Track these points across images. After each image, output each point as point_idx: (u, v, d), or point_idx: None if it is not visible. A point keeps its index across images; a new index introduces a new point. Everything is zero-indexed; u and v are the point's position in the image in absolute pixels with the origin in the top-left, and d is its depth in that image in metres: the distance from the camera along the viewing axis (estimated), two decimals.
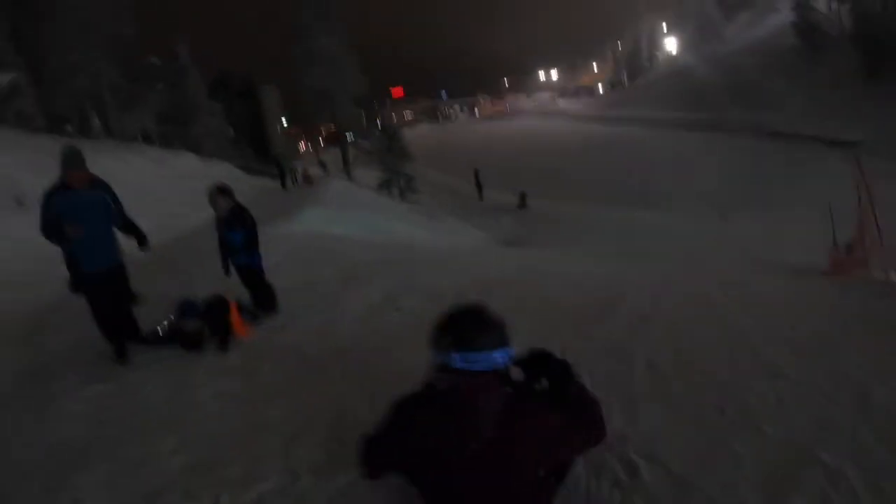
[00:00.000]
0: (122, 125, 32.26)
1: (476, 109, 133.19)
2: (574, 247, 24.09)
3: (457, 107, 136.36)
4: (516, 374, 2.97)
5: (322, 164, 44.66)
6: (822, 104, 47.78)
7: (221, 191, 7.07)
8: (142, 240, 6.50)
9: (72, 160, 5.91)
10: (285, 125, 68.36)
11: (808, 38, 58.01)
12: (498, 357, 2.65)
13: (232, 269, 7.26)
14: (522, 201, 38.48)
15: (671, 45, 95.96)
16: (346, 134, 43.68)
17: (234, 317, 6.44)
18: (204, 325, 6.28)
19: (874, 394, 4.29)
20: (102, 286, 6.11)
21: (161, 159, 25.10)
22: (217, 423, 4.49)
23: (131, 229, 6.44)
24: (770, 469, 3.44)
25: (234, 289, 7.27)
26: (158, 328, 6.46)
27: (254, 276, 7.21)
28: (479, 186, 44.66)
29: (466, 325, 2.73)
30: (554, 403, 2.79)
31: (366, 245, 14.59)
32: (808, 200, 27.99)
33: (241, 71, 60.28)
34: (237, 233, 6.96)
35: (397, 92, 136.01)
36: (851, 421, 3.91)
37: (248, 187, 27.02)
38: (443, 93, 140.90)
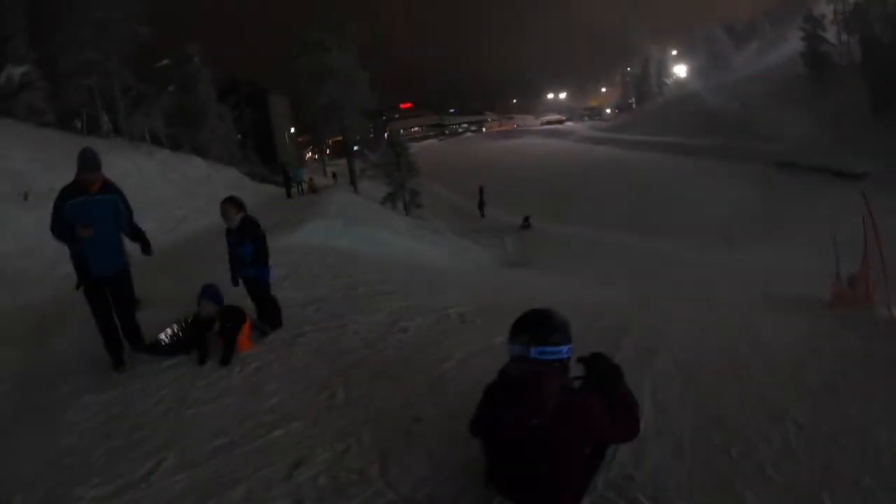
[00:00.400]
0: (131, 125, 32.34)
1: (483, 127, 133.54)
2: (578, 271, 24.04)
3: (465, 124, 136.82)
4: (576, 368, 3.61)
5: (334, 175, 44.72)
6: (829, 134, 47.91)
7: (233, 203, 7.03)
8: (146, 247, 6.57)
9: (88, 163, 5.93)
10: (293, 134, 68.46)
11: (816, 68, 58.40)
12: (564, 351, 3.39)
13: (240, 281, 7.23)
14: (526, 222, 38.40)
15: (680, 70, 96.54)
16: (354, 146, 43.76)
17: (244, 332, 6.43)
18: (218, 319, 6.33)
19: (879, 439, 4.28)
20: (106, 290, 6.13)
21: (168, 161, 25.12)
22: (220, 442, 4.42)
23: (137, 236, 6.51)
24: None
25: (238, 301, 7.27)
26: (163, 336, 6.46)
27: (260, 290, 7.15)
28: (481, 204, 44.68)
29: (543, 325, 3.43)
30: (603, 397, 3.34)
31: (371, 261, 14.52)
32: (814, 232, 27.95)
33: (252, 78, 60.45)
34: (247, 246, 6.91)
35: (406, 106, 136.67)
36: (856, 466, 3.89)
37: (253, 194, 27.07)
38: (453, 110, 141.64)
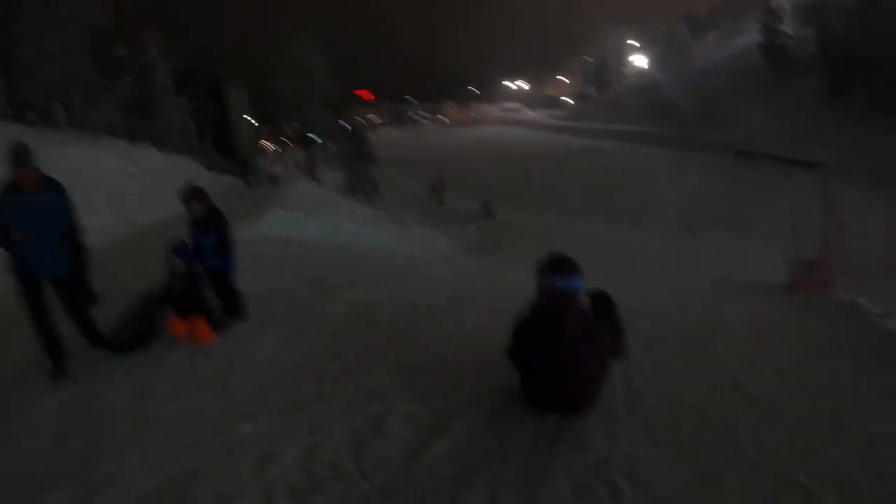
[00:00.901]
0: (87, 117, 31.55)
1: (443, 116, 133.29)
2: (541, 257, 24.17)
3: (424, 112, 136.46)
4: (584, 300, 4.55)
5: (297, 164, 44.16)
6: (787, 125, 48.90)
7: (196, 193, 6.80)
8: (78, 256, 5.78)
9: (20, 157, 5.32)
10: (252, 124, 67.69)
11: (774, 59, 59.56)
12: (580, 283, 4.31)
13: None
14: (488, 210, 38.42)
15: (639, 60, 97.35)
16: (313, 136, 43.28)
17: (203, 324, 6.28)
18: (190, 276, 6.32)
19: (849, 419, 4.45)
20: (44, 294, 5.62)
21: (125, 153, 24.45)
22: (186, 439, 4.27)
23: (73, 241, 5.71)
24: (751, 492, 3.52)
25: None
26: (122, 331, 6.18)
27: (224, 282, 6.91)
28: (437, 192, 44.74)
29: (566, 264, 4.35)
30: (605, 320, 4.57)
31: (334, 251, 14.42)
32: (774, 219, 28.62)
33: (211, 68, 59.60)
34: (210, 236, 6.66)
35: (366, 95, 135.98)
36: (828, 445, 4.03)
37: (212, 185, 26.64)
38: (410, 98, 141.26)
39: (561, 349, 4.12)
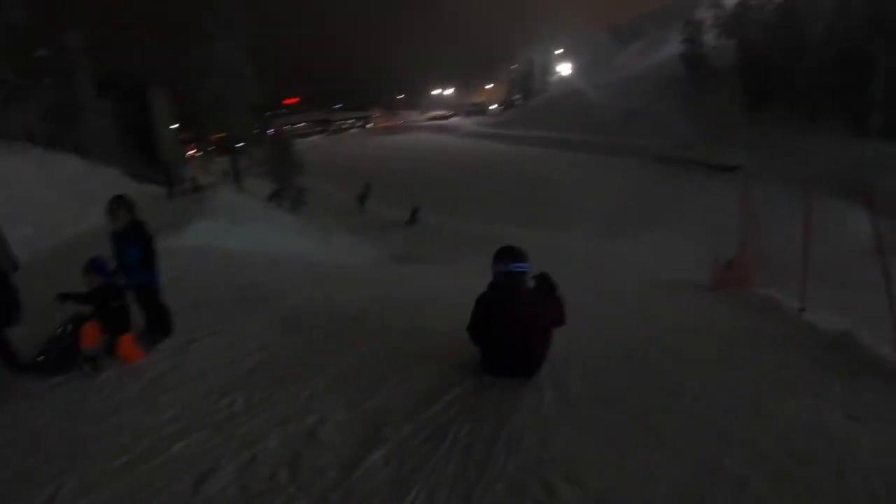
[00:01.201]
0: (5, 122, 30.06)
1: (369, 123, 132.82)
2: (467, 264, 24.34)
3: (351, 119, 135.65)
4: (530, 280, 5.53)
5: (225, 174, 42.95)
6: (707, 131, 50.63)
7: (121, 203, 6.49)
8: None
9: None
10: (176, 130, 65.81)
11: (695, 69, 61.80)
12: (526, 266, 5.37)
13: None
14: (413, 217, 38.38)
15: (565, 69, 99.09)
16: (239, 143, 42.39)
17: (128, 341, 6.05)
18: (111, 292, 6.04)
19: (768, 405, 4.72)
20: None
21: (45, 161, 23.41)
22: (120, 461, 4.08)
23: None
24: (681, 482, 3.66)
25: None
26: (41, 357, 5.80)
27: (149, 296, 6.64)
28: (362, 199, 44.59)
29: (516, 251, 5.42)
30: (548, 296, 5.55)
31: (260, 261, 14.15)
32: (695, 221, 29.49)
33: (133, 71, 57.53)
34: (133, 249, 6.37)
35: (291, 101, 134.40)
36: (751, 432, 4.26)
37: (134, 194, 25.83)
38: (338, 106, 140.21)
39: (514, 318, 5.16)
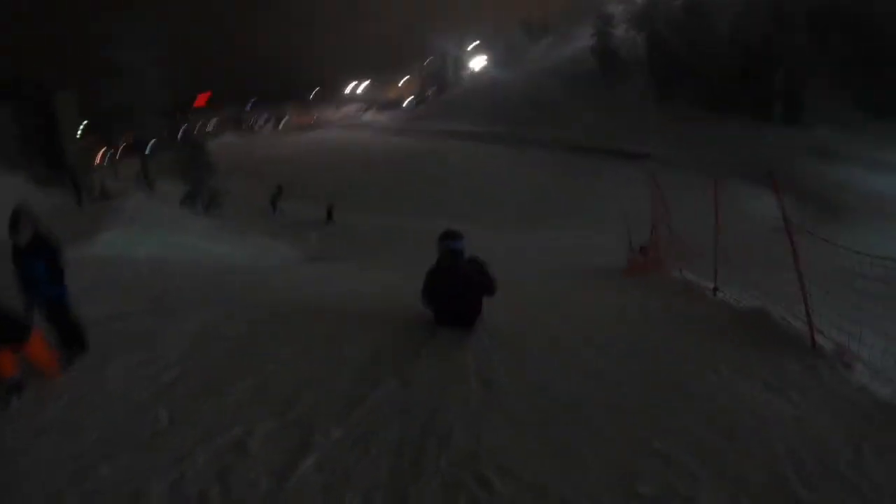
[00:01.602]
0: None
1: (282, 121, 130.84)
2: (384, 260, 24.31)
3: (263, 117, 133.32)
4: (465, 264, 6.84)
5: (144, 176, 41.07)
6: (618, 122, 52.24)
7: (22, 214, 6.04)
8: None
9: None
10: (82, 135, 63.20)
11: (605, 61, 63.63)
12: (462, 243, 6.78)
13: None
14: (329, 215, 37.94)
15: (478, 63, 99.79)
16: (147, 145, 40.99)
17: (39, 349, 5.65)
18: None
19: (691, 383, 4.92)
20: None
21: None
22: (45, 491, 3.84)
23: None
24: (614, 464, 3.79)
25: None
26: None
27: (60, 312, 6.25)
28: (273, 202, 44.01)
29: (454, 232, 6.83)
30: (481, 270, 6.73)
31: (174, 268, 13.74)
32: (608, 208, 30.15)
33: (36, 76, 54.88)
34: (39, 263, 5.98)
35: (200, 100, 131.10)
36: (677, 412, 4.44)
37: (39, 203, 24.74)
38: (249, 102, 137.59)
39: (457, 282, 6.69)
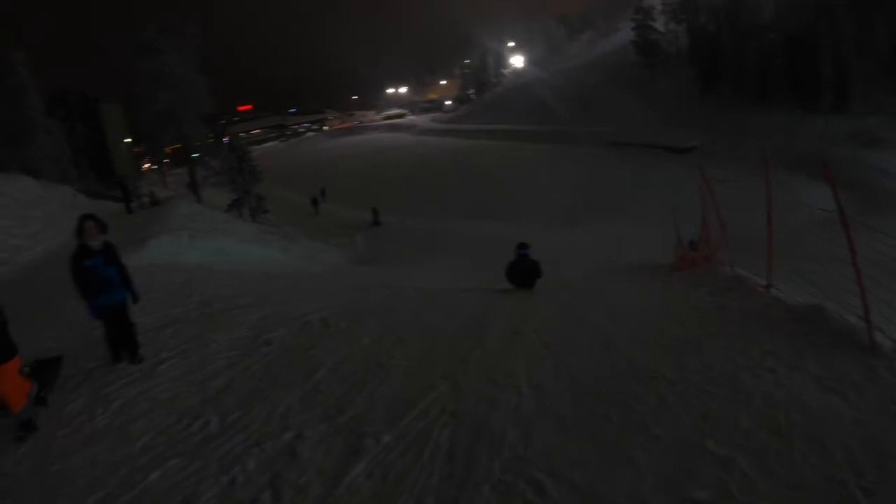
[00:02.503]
0: None
1: (325, 126, 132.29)
2: (430, 262, 24.33)
3: (307, 124, 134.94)
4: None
5: (191, 186, 41.61)
6: (660, 115, 51.58)
7: (94, 221, 6.10)
8: None
9: None
10: (129, 144, 64.42)
11: (646, 55, 63.03)
12: (531, 250, 12.10)
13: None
14: (375, 218, 38.12)
15: (517, 61, 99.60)
16: (194, 153, 41.64)
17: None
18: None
19: (745, 383, 4.75)
20: None
21: None
22: (96, 496, 3.91)
23: None
24: (666, 468, 3.69)
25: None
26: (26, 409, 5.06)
27: (125, 316, 6.35)
28: (315, 203, 44.48)
29: (524, 244, 12.17)
30: (535, 264, 11.91)
31: (222, 274, 13.92)
32: (653, 204, 29.81)
33: (83, 88, 56.13)
34: (112, 266, 6.09)
35: (245, 108, 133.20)
36: (730, 411, 4.29)
37: (90, 210, 25.13)
38: (293, 109, 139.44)
39: (525, 270, 11.66)
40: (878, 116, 38.65)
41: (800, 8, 44.82)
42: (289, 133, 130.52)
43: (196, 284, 11.76)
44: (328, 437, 4.41)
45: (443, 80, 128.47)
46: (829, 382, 4.65)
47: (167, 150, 54.86)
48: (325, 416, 4.74)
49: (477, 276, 16.05)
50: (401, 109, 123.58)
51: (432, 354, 6.09)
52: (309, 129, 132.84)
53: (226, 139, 47.83)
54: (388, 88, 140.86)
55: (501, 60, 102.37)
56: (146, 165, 75.95)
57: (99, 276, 6.01)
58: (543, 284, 11.64)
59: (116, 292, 6.16)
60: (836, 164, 25.74)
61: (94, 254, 5.99)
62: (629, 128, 52.63)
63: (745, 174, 8.88)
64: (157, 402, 5.34)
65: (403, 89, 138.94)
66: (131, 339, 6.44)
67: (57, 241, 16.69)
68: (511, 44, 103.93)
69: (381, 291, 12.06)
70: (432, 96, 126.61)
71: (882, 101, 39.33)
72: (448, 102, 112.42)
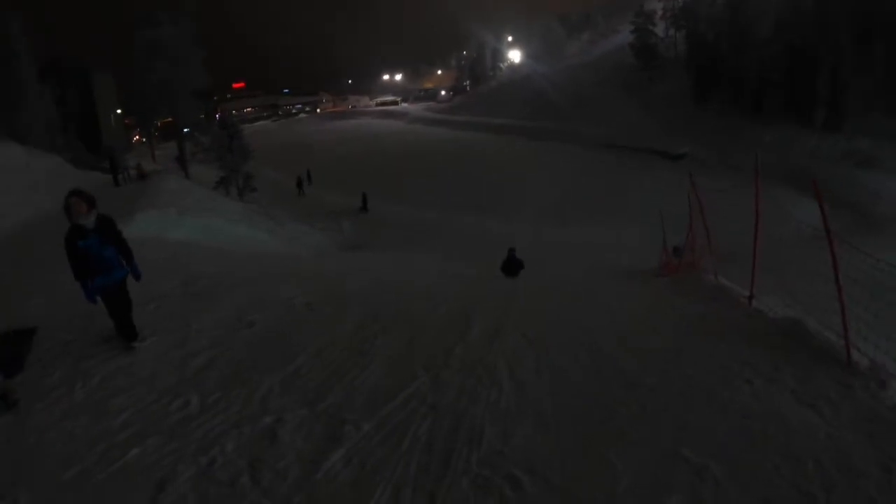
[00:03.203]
0: None
1: (318, 108, 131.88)
2: (415, 252, 24.34)
3: (299, 105, 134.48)
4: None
5: (182, 160, 41.16)
6: (654, 120, 51.90)
7: (83, 198, 5.65)
8: None
9: None
10: (120, 116, 63.66)
11: (644, 58, 63.22)
12: (516, 252, 15.95)
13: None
14: (364, 204, 37.87)
15: (515, 56, 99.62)
16: (185, 128, 41.25)
17: None
18: None
19: (723, 393, 4.81)
20: None
21: None
22: (72, 471, 3.89)
23: None
24: (642, 472, 3.74)
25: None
26: None
27: (125, 293, 6.08)
28: (299, 184, 44.44)
29: (513, 248, 16.05)
30: (520, 261, 15.81)
31: (208, 252, 13.90)
32: (642, 207, 29.88)
33: (76, 55, 55.32)
34: (109, 247, 5.79)
35: (239, 86, 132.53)
36: (707, 420, 4.36)
37: (78, 183, 24.88)
38: (286, 90, 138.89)
39: (513, 264, 15.37)
40: (873, 137, 38.92)
41: (800, 23, 45.07)
42: (281, 113, 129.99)
43: (181, 261, 11.73)
44: (308, 422, 4.41)
45: (439, 70, 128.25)
46: (806, 397, 4.72)
47: (158, 123, 54.45)
48: (305, 401, 4.74)
49: (464, 269, 16.23)
50: (394, 97, 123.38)
51: (415, 345, 6.09)
52: (301, 111, 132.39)
53: (217, 115, 47.48)
54: (383, 75, 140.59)
55: (499, 54, 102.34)
56: (136, 138, 75.27)
57: (94, 256, 5.72)
58: (529, 281, 12.08)
59: (114, 272, 5.95)
60: (828, 182, 25.96)
61: (87, 233, 5.66)
62: (623, 130, 52.90)
63: (736, 184, 8.95)
64: (137, 379, 5.30)
65: (399, 76, 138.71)
66: (127, 318, 6.16)
67: (41, 208, 16.56)
68: (510, 38, 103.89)
69: (366, 278, 12.06)
70: (428, 85, 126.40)
71: (877, 122, 39.57)
72: (443, 92, 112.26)
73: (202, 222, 19.02)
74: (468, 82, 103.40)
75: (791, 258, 8.63)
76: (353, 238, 30.59)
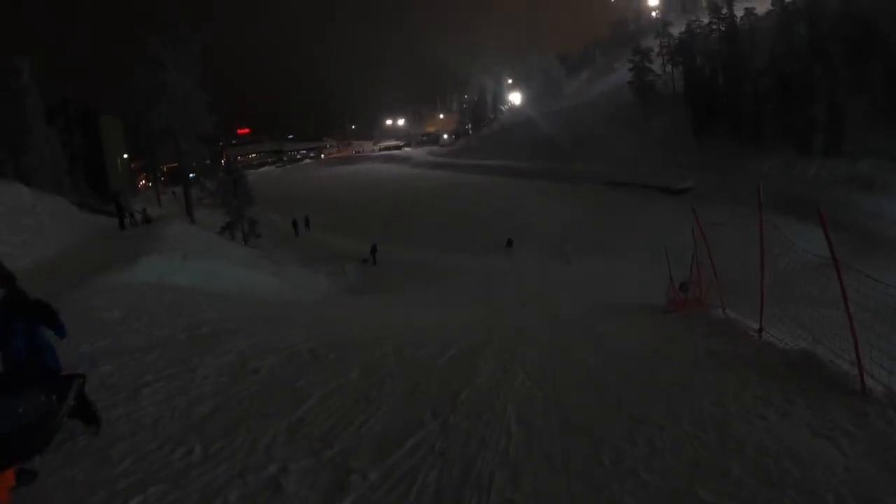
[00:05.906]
0: None
1: (322, 154, 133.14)
2: (420, 295, 24.26)
3: (304, 150, 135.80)
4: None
5: (176, 200, 41.14)
6: (654, 156, 52.11)
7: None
8: None
9: None
10: (127, 160, 63.87)
11: (642, 95, 64.00)
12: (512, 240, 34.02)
13: None
14: (374, 255, 37.00)
15: (515, 98, 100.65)
16: (190, 173, 41.39)
17: None
18: None
19: (736, 429, 4.68)
20: None
21: None
22: None
23: None
24: None
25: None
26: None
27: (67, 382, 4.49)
28: (294, 225, 45.57)
29: (511, 239, 35.66)
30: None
31: (212, 297, 13.84)
32: (646, 243, 29.84)
33: (84, 98, 55.57)
34: (18, 337, 4.63)
35: (244, 131, 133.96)
36: (721, 457, 4.22)
37: (83, 226, 25.09)
38: (290, 136, 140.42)
39: (510, 245, 34.66)
40: (872, 159, 39.01)
41: (794, 52, 45.57)
42: (286, 159, 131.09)
43: (185, 306, 11.68)
44: (314, 471, 4.31)
45: (441, 113, 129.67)
46: (821, 429, 4.61)
47: (164, 168, 54.68)
48: (311, 450, 4.64)
49: (471, 311, 16.04)
50: (398, 141, 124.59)
51: (422, 390, 6.00)
52: (306, 157, 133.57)
53: (223, 160, 47.78)
54: (386, 120, 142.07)
55: (500, 97, 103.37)
56: (142, 182, 75.67)
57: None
58: (535, 318, 10.88)
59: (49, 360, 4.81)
60: (830, 207, 25.84)
61: None
62: (624, 167, 53.18)
63: (738, 215, 8.93)
64: (139, 426, 5.21)
65: (401, 121, 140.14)
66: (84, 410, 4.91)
67: (46, 252, 16.57)
68: (509, 81, 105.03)
69: (372, 323, 11.99)
70: (430, 129, 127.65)
71: (876, 143, 39.66)
72: (445, 136, 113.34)
73: (207, 267, 19.02)
74: (470, 125, 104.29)
75: (796, 287, 8.58)
76: (357, 282, 30.53)
